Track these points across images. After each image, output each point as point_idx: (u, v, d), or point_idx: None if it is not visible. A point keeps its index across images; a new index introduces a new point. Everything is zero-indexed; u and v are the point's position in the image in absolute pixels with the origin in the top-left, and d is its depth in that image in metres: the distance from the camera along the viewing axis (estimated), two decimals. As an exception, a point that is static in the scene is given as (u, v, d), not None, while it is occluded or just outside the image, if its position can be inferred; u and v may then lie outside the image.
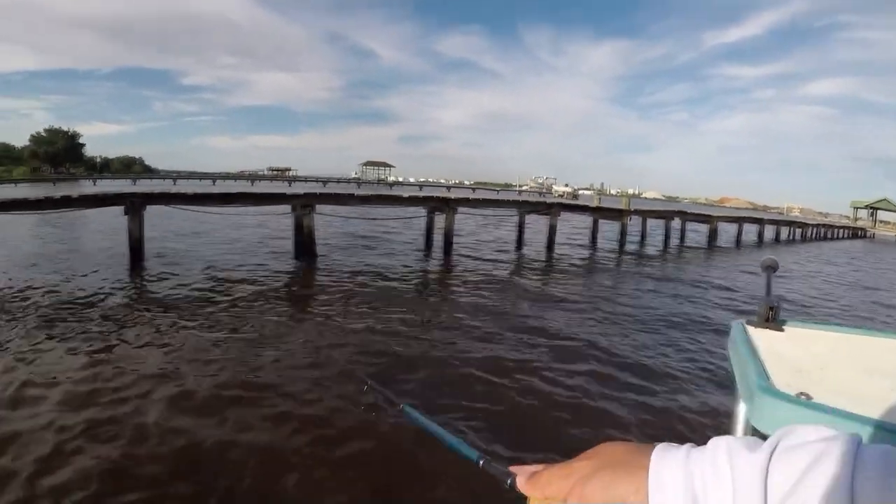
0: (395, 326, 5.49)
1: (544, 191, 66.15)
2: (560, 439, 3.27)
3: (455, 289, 7.90)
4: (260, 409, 3.39)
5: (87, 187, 32.16)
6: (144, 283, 7.20)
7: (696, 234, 19.04)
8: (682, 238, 17.75)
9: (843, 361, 0.80)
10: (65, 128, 62.29)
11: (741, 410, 0.73)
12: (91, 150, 72.84)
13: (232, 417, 3.26)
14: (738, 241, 19.65)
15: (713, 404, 3.93)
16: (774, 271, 0.99)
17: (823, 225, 32.48)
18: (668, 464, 0.38)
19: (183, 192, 9.71)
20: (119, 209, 8.32)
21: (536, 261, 11.37)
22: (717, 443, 0.37)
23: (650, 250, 15.03)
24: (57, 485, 2.53)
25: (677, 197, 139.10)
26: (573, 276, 9.88)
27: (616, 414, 3.67)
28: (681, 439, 0.41)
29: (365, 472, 2.80)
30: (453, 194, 13.15)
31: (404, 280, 8.23)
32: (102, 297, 6.15)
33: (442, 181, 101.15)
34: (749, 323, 0.92)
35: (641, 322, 6.32)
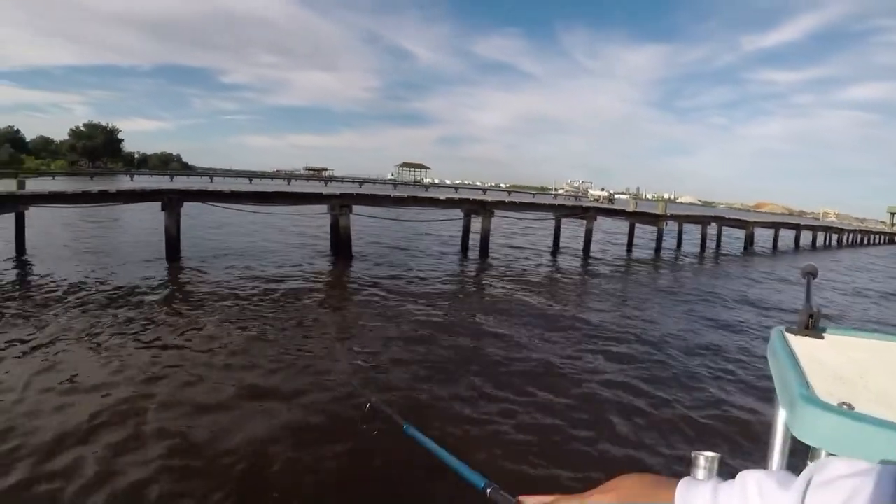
0: (439, 325, 5.45)
1: (580, 194, 64.05)
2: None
3: (493, 291, 7.68)
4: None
5: (125, 182, 33.16)
6: (180, 278, 7.16)
7: (734, 240, 18.85)
8: (718, 244, 17.38)
9: (886, 370, 0.76)
10: (104, 123, 64.54)
11: (780, 419, 0.70)
12: (129, 146, 75.59)
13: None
14: (774, 247, 19.40)
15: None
16: (814, 278, 0.97)
17: (860, 230, 32.47)
18: (695, 501, 0.37)
19: (219, 189, 9.68)
20: (156, 205, 8.32)
21: (573, 266, 10.99)
22: (746, 479, 0.36)
23: (686, 257, 14.42)
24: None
25: (713, 202, 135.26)
26: (616, 280, 9.41)
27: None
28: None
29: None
30: (489, 197, 12.81)
31: (444, 282, 7.97)
32: (141, 292, 6.10)
33: (478, 184, 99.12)
34: (789, 330, 0.88)
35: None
